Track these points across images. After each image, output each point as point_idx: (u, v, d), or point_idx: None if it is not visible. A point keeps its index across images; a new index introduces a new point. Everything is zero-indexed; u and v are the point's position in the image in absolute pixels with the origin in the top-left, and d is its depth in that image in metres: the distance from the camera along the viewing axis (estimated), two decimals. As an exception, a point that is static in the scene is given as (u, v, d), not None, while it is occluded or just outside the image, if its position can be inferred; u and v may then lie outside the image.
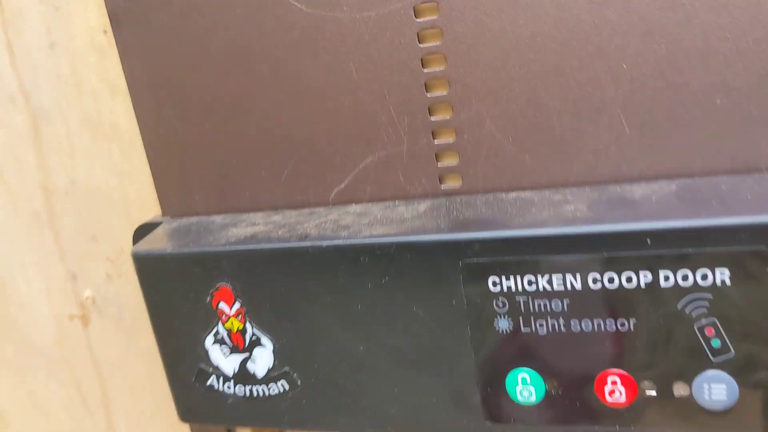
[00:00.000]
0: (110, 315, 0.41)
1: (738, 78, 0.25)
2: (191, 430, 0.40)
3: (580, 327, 0.25)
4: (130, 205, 0.38)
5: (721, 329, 0.24)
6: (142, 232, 0.36)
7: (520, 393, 0.27)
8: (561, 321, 0.26)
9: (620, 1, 0.26)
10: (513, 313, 0.26)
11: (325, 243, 0.28)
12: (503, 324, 0.26)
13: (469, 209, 0.29)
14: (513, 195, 0.29)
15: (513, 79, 0.28)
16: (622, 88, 0.27)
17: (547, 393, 0.27)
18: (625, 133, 0.27)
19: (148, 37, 0.33)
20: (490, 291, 0.26)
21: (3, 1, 0.37)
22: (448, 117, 0.30)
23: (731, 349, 0.24)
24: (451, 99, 0.29)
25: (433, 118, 0.30)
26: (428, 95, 0.30)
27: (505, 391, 0.27)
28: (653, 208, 0.25)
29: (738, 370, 0.24)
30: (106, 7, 0.34)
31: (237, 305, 0.31)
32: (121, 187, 0.38)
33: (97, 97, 0.37)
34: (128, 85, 0.35)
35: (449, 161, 0.30)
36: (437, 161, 0.31)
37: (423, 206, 0.30)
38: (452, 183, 0.31)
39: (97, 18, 0.35)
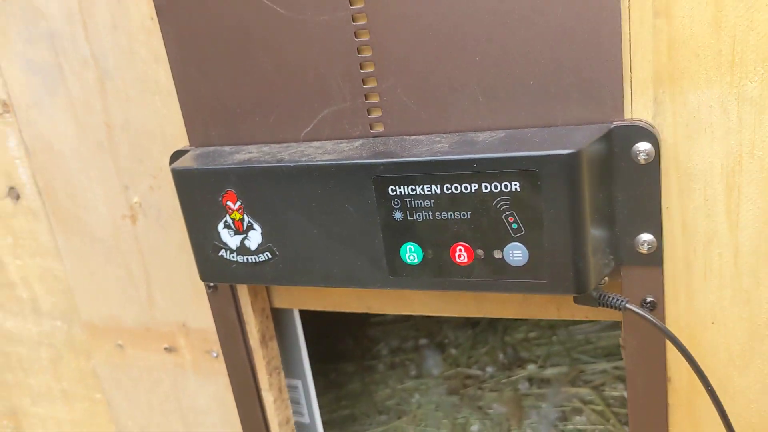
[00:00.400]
0: (152, 215, 0.59)
1: (542, 69, 0.42)
2: (206, 291, 0.58)
3: (441, 216, 0.43)
4: (166, 137, 0.55)
5: (517, 217, 0.41)
6: (175, 156, 0.53)
7: (408, 257, 0.45)
8: (430, 213, 0.43)
9: (475, 22, 0.42)
10: (403, 208, 0.43)
11: (292, 164, 0.45)
12: (398, 215, 0.44)
13: (384, 145, 0.46)
14: (412, 137, 0.46)
15: (414, 64, 0.45)
16: (476, 73, 0.43)
17: (424, 257, 0.44)
18: (479, 101, 0.44)
19: (181, 23, 0.50)
20: (390, 195, 0.43)
21: (80, -6, 0.53)
22: (374, 85, 0.46)
23: (523, 229, 0.41)
24: (376, 74, 0.46)
25: (365, 87, 0.46)
26: (361, 71, 0.46)
27: (400, 256, 0.45)
28: (484, 146, 0.42)
29: (527, 241, 0.41)
30: (153, 2, 0.50)
31: (239, 203, 0.48)
32: (160, 125, 0.55)
33: (146, 63, 0.53)
34: (168, 55, 0.52)
35: (376, 114, 0.47)
36: (368, 114, 0.47)
37: (357, 143, 0.47)
38: (378, 129, 0.48)
39: (147, 8, 0.51)
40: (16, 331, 0.72)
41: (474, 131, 0.45)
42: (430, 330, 1.27)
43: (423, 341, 1.24)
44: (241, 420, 0.62)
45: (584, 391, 1.01)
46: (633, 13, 0.40)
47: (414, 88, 0.45)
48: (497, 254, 0.42)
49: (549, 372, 1.07)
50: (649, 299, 0.45)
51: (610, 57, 0.40)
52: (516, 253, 0.42)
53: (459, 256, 0.43)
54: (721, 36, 0.39)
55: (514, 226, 0.41)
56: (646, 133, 0.41)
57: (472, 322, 1.27)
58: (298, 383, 0.68)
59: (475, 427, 0.98)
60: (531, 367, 1.09)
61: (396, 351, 1.23)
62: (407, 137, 0.46)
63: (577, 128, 0.42)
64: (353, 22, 0.45)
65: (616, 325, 1.13)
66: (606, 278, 0.44)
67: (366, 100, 0.47)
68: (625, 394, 0.98)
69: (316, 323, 1.29)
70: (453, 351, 1.19)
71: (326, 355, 1.24)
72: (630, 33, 0.40)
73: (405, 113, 0.46)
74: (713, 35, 0.39)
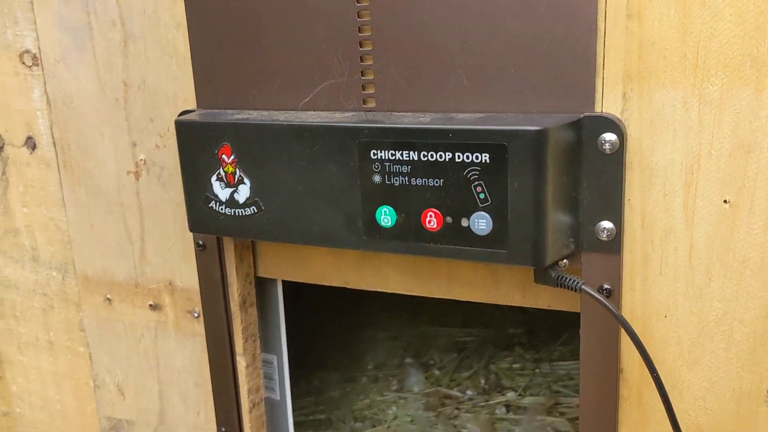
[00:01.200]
0: (154, 173, 0.62)
1: (523, 60, 0.45)
2: (195, 249, 0.61)
3: (415, 182, 0.46)
4: (177, 100, 0.59)
5: (485, 188, 0.44)
6: (182, 115, 0.57)
7: (383, 220, 0.48)
8: (406, 178, 0.46)
9: (464, 12, 0.46)
10: (382, 172, 0.47)
11: (285, 123, 0.49)
12: (377, 178, 0.47)
13: (372, 117, 0.49)
14: (400, 113, 0.50)
15: (408, 46, 0.48)
16: (463, 58, 0.47)
17: (397, 221, 0.47)
18: (464, 84, 0.48)
19: (204, -6, 0.55)
20: (371, 158, 0.47)
21: (117, -39, 0.58)
22: (371, 63, 0.50)
23: (489, 199, 0.44)
24: (374, 53, 0.50)
25: (362, 63, 0.50)
26: (360, 49, 0.50)
27: (375, 219, 0.48)
28: (461, 122, 0.45)
29: (492, 211, 0.44)
30: (181, -27, 0.55)
31: (232, 157, 0.52)
32: (173, 87, 0.59)
33: (167, 29, 0.58)
34: (188, 23, 0.56)
35: (369, 90, 0.51)
36: (363, 90, 0.51)
37: (349, 114, 0.51)
38: (370, 104, 0.51)
39: (175, -22, 0.56)
40: (14, 278, 0.75)
41: (457, 112, 0.48)
42: (417, 350, 1.28)
43: (409, 360, 1.25)
44: (212, 381, 0.64)
45: (559, 422, 1.01)
46: (608, 14, 0.43)
47: (406, 68, 0.49)
48: (464, 222, 0.45)
49: (527, 400, 1.08)
50: (606, 286, 0.47)
51: (585, 53, 0.44)
52: (481, 222, 0.45)
53: (429, 221, 0.46)
54: (687, 40, 0.42)
55: (482, 195, 0.44)
56: (612, 125, 0.44)
57: (458, 347, 1.28)
58: (274, 359, 0.70)
59: (446, 443, 0.99)
60: (510, 395, 1.10)
61: (381, 366, 1.24)
62: (396, 112, 0.50)
63: (550, 115, 0.45)
64: (357, 2, 0.49)
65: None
66: (566, 261, 0.47)
67: (362, 76, 0.51)
68: (598, 427, 0.98)
69: (308, 330, 1.31)
70: (437, 372, 1.20)
71: (313, 362, 1.26)
72: (605, 32, 0.44)
73: (396, 91, 0.50)
74: (680, 39, 0.42)
